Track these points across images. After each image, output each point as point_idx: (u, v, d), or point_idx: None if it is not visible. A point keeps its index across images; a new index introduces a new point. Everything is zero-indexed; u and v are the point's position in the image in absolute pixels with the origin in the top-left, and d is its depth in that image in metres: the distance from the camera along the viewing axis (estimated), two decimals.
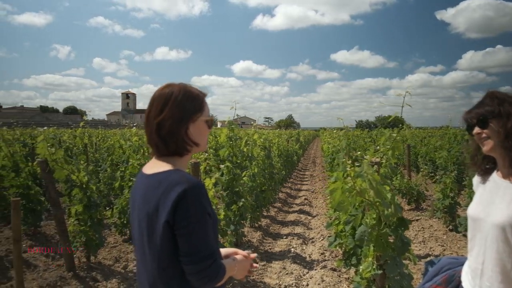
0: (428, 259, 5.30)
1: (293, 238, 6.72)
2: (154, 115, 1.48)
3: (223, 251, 1.70)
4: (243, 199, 5.95)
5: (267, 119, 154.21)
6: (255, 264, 1.76)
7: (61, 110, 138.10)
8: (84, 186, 4.87)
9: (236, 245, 5.87)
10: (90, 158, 9.95)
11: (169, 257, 1.38)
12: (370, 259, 3.23)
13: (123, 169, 6.83)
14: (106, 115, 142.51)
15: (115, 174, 7.63)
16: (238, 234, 5.94)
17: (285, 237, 6.86)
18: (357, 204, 3.54)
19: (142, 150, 6.96)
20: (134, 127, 9.08)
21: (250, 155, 7.40)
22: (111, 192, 7.99)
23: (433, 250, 5.82)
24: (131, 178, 6.14)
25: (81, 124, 8.89)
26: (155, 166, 1.49)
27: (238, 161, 6.21)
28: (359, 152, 2.91)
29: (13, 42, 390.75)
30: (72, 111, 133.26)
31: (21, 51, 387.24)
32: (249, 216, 6.82)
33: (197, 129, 1.52)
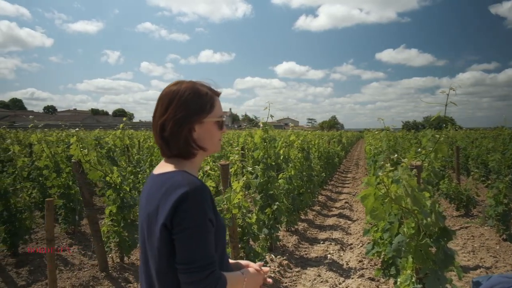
0: (478, 271, 4.77)
1: (331, 244, 6.44)
2: (159, 115, 1.38)
3: (234, 262, 1.56)
4: (277, 202, 5.77)
5: (310, 121, 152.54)
6: (269, 280, 1.59)
7: (110, 112, 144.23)
8: (117, 187, 4.90)
9: (270, 249, 5.71)
10: (132, 159, 10.15)
11: (168, 262, 1.26)
12: (408, 271, 2.96)
13: None
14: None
15: None
16: (272, 238, 5.77)
17: (322, 242, 6.60)
18: (394, 211, 3.26)
19: None
20: None
21: (286, 157, 7.20)
22: None
23: (484, 261, 5.34)
24: None
25: (121, 126, 9.06)
26: (163, 167, 1.40)
27: (273, 163, 6.03)
28: (396, 155, 2.64)
29: (68, 49, 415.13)
30: (121, 114, 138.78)
31: (75, 57, 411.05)
32: (284, 220, 6.63)
33: (205, 131, 1.40)
